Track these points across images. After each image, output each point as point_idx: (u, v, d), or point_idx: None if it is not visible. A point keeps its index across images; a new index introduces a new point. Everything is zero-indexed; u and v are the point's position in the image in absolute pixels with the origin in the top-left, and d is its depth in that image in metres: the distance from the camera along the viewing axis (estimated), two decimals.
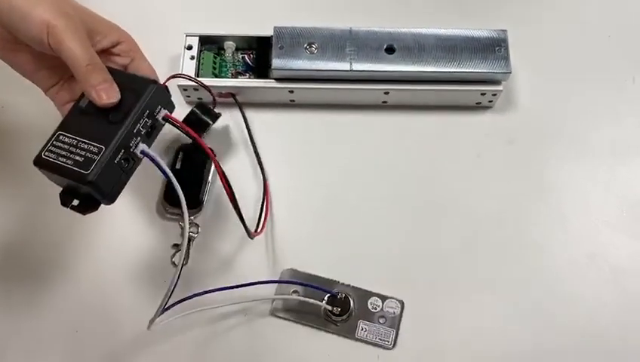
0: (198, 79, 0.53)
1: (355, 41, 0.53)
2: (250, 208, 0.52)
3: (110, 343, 0.49)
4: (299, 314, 0.49)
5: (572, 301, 0.50)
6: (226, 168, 0.54)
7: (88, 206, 0.41)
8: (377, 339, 0.48)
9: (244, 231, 0.47)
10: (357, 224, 0.53)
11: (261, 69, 0.55)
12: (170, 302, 0.43)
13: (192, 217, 0.52)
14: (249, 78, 0.56)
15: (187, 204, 0.51)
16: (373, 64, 0.53)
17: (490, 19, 0.59)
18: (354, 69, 0.53)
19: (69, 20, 0.40)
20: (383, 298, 0.50)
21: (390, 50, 0.53)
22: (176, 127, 0.43)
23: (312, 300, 0.48)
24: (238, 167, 0.54)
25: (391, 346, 0.48)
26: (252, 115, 0.56)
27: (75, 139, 0.40)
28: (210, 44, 0.56)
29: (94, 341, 0.49)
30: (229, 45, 0.56)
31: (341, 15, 0.59)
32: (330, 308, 0.48)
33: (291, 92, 0.55)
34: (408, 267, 0.51)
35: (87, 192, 0.40)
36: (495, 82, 0.54)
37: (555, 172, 0.55)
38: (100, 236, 0.52)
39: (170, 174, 0.42)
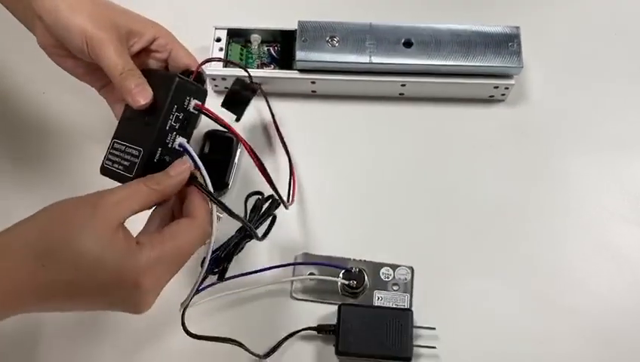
0: (231, 60, 0.56)
1: (375, 35, 0.56)
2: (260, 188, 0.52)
3: (137, 325, 0.51)
4: (318, 293, 0.52)
5: (582, 290, 0.52)
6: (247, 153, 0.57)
7: None
8: (394, 305, 0.51)
9: None
10: (369, 209, 0.55)
11: (285, 60, 0.58)
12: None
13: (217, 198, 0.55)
14: (273, 69, 0.59)
15: (213, 185, 0.54)
16: (391, 57, 0.55)
17: (504, 15, 0.61)
18: (373, 61, 0.55)
19: (104, 31, 0.42)
20: (394, 266, 0.53)
21: (408, 44, 0.56)
22: (208, 116, 0.44)
23: (329, 277, 0.51)
24: (261, 151, 0.57)
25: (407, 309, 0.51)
26: (275, 104, 0.58)
27: (124, 145, 0.43)
28: (237, 36, 0.59)
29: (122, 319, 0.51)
30: (255, 38, 0.59)
31: (362, 10, 0.62)
32: (347, 282, 0.51)
33: (313, 83, 0.58)
34: (416, 240, 0.54)
35: None
36: (507, 76, 0.57)
37: (566, 164, 0.57)
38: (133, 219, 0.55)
39: (201, 166, 0.42)
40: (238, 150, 0.57)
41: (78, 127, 0.59)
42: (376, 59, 0.55)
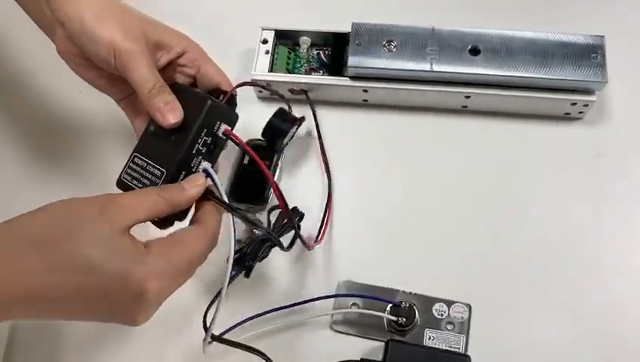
0: (270, 85, 0.52)
1: (438, 41, 0.50)
2: (311, 209, 0.50)
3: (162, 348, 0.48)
4: (361, 327, 0.47)
5: None
6: (292, 166, 0.53)
7: (165, 221, 0.41)
8: (447, 347, 0.46)
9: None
10: (422, 235, 0.50)
11: (335, 66, 0.54)
12: (227, 324, 0.43)
13: (256, 213, 0.50)
14: (322, 75, 0.54)
15: (252, 201, 0.51)
16: (455, 65, 0.50)
17: (585, 24, 0.54)
18: (434, 69, 0.50)
19: (133, 43, 0.40)
20: (449, 303, 0.47)
21: (475, 51, 0.50)
22: (237, 144, 0.42)
23: (374, 312, 0.46)
24: (304, 165, 0.53)
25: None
26: (323, 113, 0.54)
27: (146, 162, 0.41)
28: (285, 38, 0.55)
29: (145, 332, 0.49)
30: (305, 41, 0.55)
31: (423, 13, 0.56)
32: (394, 318, 0.46)
33: (365, 91, 0.53)
34: (475, 273, 0.48)
35: None
36: (588, 92, 0.50)
37: None
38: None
39: (223, 193, 0.40)
40: (280, 164, 0.52)
41: (111, 127, 0.56)
42: (438, 67, 0.50)
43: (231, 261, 0.39)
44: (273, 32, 0.55)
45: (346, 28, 0.53)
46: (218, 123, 0.41)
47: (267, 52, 0.54)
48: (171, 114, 0.39)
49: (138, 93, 0.40)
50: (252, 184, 0.51)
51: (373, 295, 0.47)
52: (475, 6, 0.58)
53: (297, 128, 0.52)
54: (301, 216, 0.47)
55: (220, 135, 0.41)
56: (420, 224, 0.51)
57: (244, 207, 0.51)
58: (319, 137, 0.53)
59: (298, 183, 0.53)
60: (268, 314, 0.46)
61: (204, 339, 0.41)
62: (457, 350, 0.46)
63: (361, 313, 0.47)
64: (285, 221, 0.45)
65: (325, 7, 0.59)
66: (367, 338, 0.47)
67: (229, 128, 0.41)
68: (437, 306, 0.47)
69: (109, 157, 0.55)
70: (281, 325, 0.47)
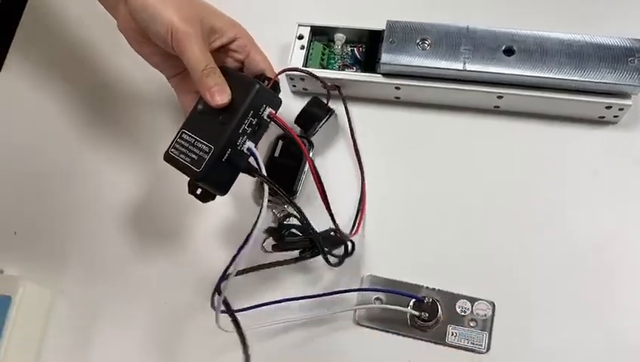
0: (310, 70, 0.53)
1: (472, 40, 0.50)
2: (341, 203, 0.50)
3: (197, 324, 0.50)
4: (384, 321, 0.48)
5: None
6: (324, 160, 0.54)
7: (207, 196, 0.44)
8: (469, 344, 0.46)
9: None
10: (447, 232, 0.50)
11: (369, 63, 0.54)
12: (246, 305, 0.44)
13: (284, 206, 0.51)
14: (356, 72, 0.54)
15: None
16: (488, 65, 0.50)
17: (623, 27, 0.53)
18: (467, 68, 0.50)
19: (190, 25, 0.42)
20: (472, 300, 0.47)
21: (509, 51, 0.50)
22: (280, 126, 0.44)
23: (397, 307, 0.46)
24: (336, 159, 0.54)
25: (485, 350, 0.46)
26: (355, 109, 0.55)
27: (193, 138, 0.43)
28: (320, 35, 0.56)
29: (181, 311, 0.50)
30: (339, 37, 0.55)
31: (458, 12, 0.56)
32: (417, 313, 0.46)
33: (398, 88, 0.53)
34: (500, 271, 0.48)
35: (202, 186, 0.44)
36: (624, 95, 0.49)
37: None
38: (203, 218, 0.54)
39: (264, 172, 0.43)
40: (312, 155, 0.53)
41: (161, 102, 0.58)
42: (471, 67, 0.50)
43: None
44: (309, 28, 0.55)
45: (380, 25, 0.53)
46: (264, 106, 0.43)
47: (302, 47, 0.55)
48: (220, 95, 0.42)
49: (190, 73, 0.43)
50: (282, 176, 0.52)
51: (396, 289, 0.47)
52: (511, 6, 0.57)
53: (329, 118, 0.53)
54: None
55: (265, 117, 0.43)
56: (446, 222, 0.51)
57: (273, 199, 0.52)
58: (351, 133, 0.54)
59: (328, 177, 0.53)
60: (288, 303, 0.47)
61: (216, 307, 0.42)
62: (479, 348, 0.46)
63: (384, 308, 0.47)
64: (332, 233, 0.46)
65: (360, 5, 0.59)
66: (391, 332, 0.47)
67: (274, 111, 0.43)
68: (460, 303, 0.47)
69: (158, 129, 0.57)
70: (302, 316, 0.48)
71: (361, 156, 0.53)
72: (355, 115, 0.54)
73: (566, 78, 0.49)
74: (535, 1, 0.58)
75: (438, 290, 0.48)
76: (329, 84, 0.54)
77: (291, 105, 0.54)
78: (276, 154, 0.53)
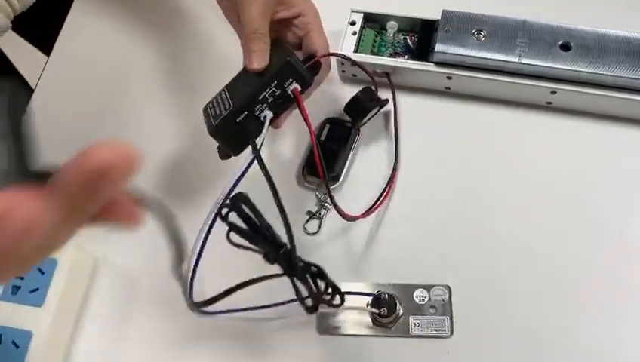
0: (356, 60, 0.52)
1: (528, 34, 0.50)
2: (368, 189, 0.51)
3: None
4: (346, 326, 0.47)
5: None
6: (364, 145, 0.54)
7: (222, 153, 0.45)
8: (433, 331, 0.46)
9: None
10: (480, 227, 0.49)
11: (421, 53, 0.54)
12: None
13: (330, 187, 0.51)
14: (407, 60, 0.54)
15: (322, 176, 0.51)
16: (544, 60, 0.49)
17: None
18: (522, 62, 0.49)
19: None
20: (428, 287, 0.47)
21: (565, 47, 0.49)
22: (297, 104, 0.43)
23: (354, 306, 0.46)
24: (376, 145, 0.54)
25: (448, 334, 0.45)
26: (403, 98, 0.54)
27: (225, 96, 0.44)
28: (373, 22, 0.56)
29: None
30: (392, 25, 0.55)
31: (515, 4, 0.55)
32: (376, 311, 0.45)
33: (449, 78, 0.52)
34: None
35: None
36: None
37: None
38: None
39: (258, 147, 0.41)
40: (356, 141, 0.53)
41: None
42: (526, 60, 0.49)
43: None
44: (362, 15, 0.55)
45: (433, 15, 0.53)
46: (290, 80, 0.43)
47: (354, 33, 0.55)
48: (257, 60, 0.43)
49: (242, 30, 0.43)
50: (326, 159, 0.52)
51: (352, 291, 0.45)
52: (569, 1, 0.56)
53: (379, 109, 0.52)
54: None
55: (289, 92, 0.43)
56: (480, 218, 0.50)
57: (317, 181, 0.52)
58: (395, 121, 0.53)
59: (367, 163, 0.53)
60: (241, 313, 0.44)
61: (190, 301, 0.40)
62: (443, 333, 0.45)
63: (343, 311, 0.46)
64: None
65: None
66: (355, 335, 0.46)
67: (298, 88, 0.43)
68: (417, 292, 0.47)
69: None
70: (259, 323, 0.46)
71: (399, 145, 0.52)
72: (402, 103, 0.54)
73: (624, 75, 0.48)
74: None
75: (393, 284, 0.47)
76: (379, 71, 0.54)
77: (340, 91, 0.54)
78: (322, 137, 0.53)
